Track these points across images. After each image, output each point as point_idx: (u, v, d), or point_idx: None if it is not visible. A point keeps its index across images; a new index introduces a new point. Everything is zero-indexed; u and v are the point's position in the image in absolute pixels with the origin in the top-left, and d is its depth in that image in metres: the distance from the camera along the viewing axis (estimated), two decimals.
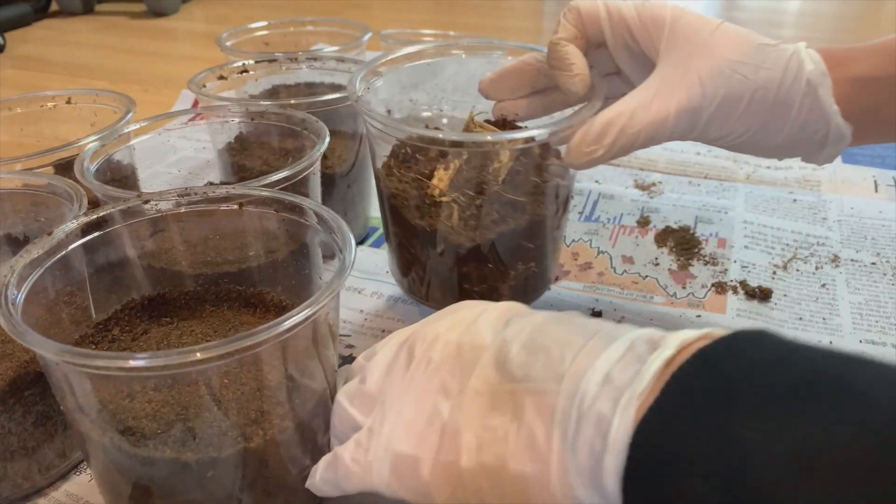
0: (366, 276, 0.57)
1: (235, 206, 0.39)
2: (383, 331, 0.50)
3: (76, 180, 0.42)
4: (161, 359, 0.27)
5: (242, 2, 1.52)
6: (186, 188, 0.39)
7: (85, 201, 0.40)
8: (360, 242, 0.61)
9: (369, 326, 0.51)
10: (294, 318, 0.29)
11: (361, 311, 0.52)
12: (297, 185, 0.44)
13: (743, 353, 0.24)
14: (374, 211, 0.66)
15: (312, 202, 0.37)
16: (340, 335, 0.50)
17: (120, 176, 0.48)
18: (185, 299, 0.40)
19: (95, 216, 0.37)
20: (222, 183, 0.56)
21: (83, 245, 0.37)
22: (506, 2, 1.56)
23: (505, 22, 1.41)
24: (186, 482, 0.30)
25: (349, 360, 0.47)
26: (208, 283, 0.41)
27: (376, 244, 0.61)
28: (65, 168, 0.47)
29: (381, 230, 0.63)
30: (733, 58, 0.37)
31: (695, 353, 0.24)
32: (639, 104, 0.38)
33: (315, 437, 0.34)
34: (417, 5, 1.52)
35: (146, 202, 0.39)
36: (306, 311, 0.29)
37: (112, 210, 0.38)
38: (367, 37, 0.76)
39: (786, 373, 0.23)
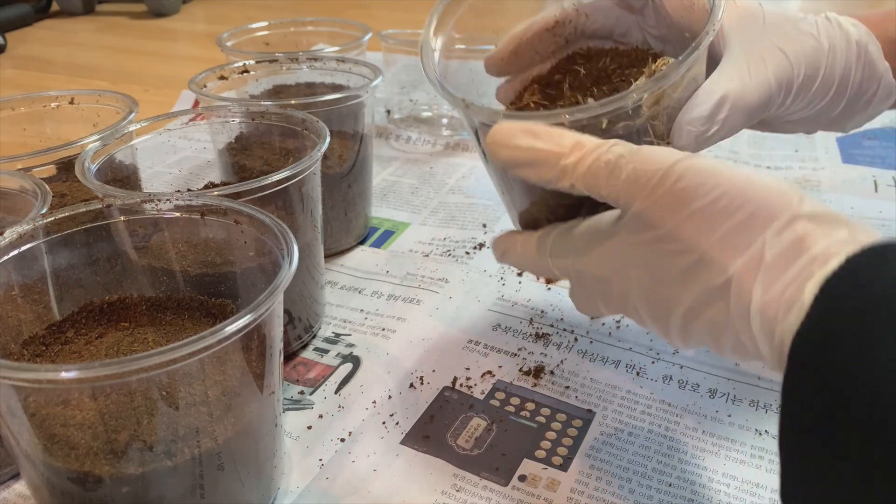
0: (366, 275, 0.57)
1: (198, 216, 0.39)
2: (383, 329, 0.50)
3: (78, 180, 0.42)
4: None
5: (243, 2, 1.52)
6: (150, 194, 0.39)
7: (49, 201, 0.39)
8: (360, 242, 0.62)
9: (369, 325, 0.51)
10: (224, 330, 0.28)
11: (362, 310, 0.52)
12: (298, 185, 0.44)
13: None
14: (375, 211, 0.66)
15: (271, 216, 0.37)
16: (341, 334, 0.50)
17: (121, 176, 0.48)
18: (146, 306, 0.39)
19: (52, 218, 0.37)
20: (210, 185, 0.56)
21: (42, 246, 0.37)
22: (506, 2, 1.56)
23: (505, 22, 1.41)
24: (115, 498, 0.30)
25: (350, 358, 0.47)
26: (169, 289, 0.40)
27: (376, 244, 0.61)
28: (66, 168, 0.47)
29: (381, 230, 0.63)
30: (796, 31, 0.38)
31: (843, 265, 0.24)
32: (741, 77, 0.36)
33: (256, 453, 0.34)
34: (417, 5, 1.52)
35: (108, 206, 0.38)
36: (236, 324, 0.29)
37: (71, 212, 0.38)
38: (367, 37, 0.77)
39: None
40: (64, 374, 0.27)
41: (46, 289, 0.38)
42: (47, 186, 0.41)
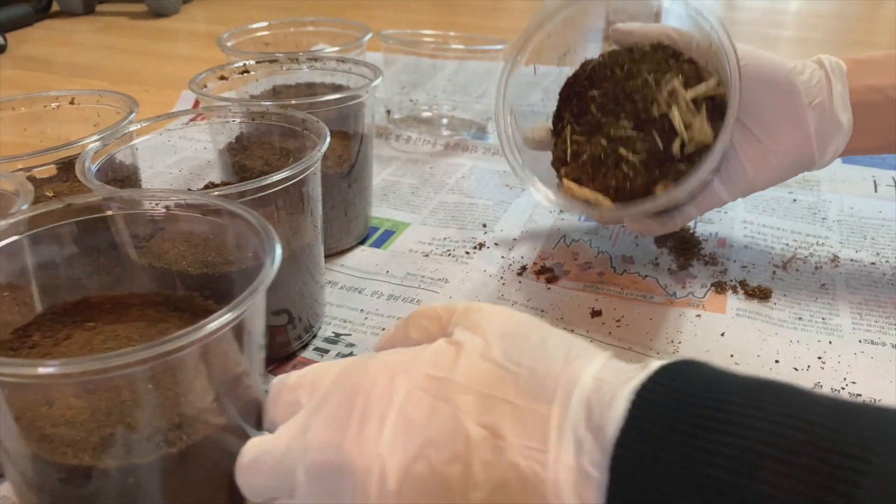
0: (366, 275, 0.57)
1: (163, 210, 0.38)
2: (383, 329, 0.50)
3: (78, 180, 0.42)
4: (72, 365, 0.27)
5: (243, 2, 1.52)
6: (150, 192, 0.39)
7: (30, 199, 0.39)
8: (360, 242, 0.62)
9: (369, 325, 0.51)
10: (217, 321, 0.28)
11: (362, 310, 0.52)
12: (298, 185, 0.44)
13: (688, 373, 0.26)
14: (375, 211, 0.66)
15: (242, 207, 0.37)
16: (341, 334, 0.50)
17: (122, 176, 0.48)
18: (111, 303, 0.38)
19: (30, 213, 0.36)
20: (210, 185, 0.56)
21: (25, 243, 0.37)
22: (506, 2, 1.56)
23: (505, 22, 1.41)
24: (107, 491, 0.30)
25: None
26: (167, 289, 0.40)
27: (376, 244, 0.61)
28: (67, 168, 0.48)
29: (381, 230, 0.63)
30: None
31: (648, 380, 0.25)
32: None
33: (241, 444, 0.34)
34: (417, 5, 1.52)
35: (108, 206, 0.38)
36: (228, 314, 0.29)
37: (51, 208, 0.37)
38: (367, 37, 0.77)
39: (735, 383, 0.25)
40: (41, 370, 0.26)
41: (28, 287, 0.38)
42: (31, 185, 0.40)
